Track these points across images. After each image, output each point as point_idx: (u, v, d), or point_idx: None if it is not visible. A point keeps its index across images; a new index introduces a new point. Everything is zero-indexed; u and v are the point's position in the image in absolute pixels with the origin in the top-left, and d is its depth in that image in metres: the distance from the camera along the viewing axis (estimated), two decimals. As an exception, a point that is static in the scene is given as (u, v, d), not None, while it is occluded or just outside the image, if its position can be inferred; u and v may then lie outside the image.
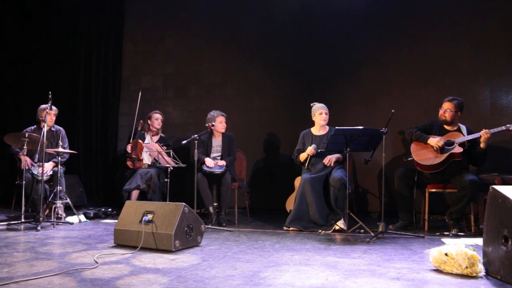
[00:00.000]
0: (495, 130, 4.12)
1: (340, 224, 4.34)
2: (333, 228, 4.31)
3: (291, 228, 4.44)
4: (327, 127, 4.84)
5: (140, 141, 5.61)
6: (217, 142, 5.27)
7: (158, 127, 5.80)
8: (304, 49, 6.14)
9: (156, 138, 5.79)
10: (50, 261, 2.89)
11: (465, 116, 4.67)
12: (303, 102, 5.77)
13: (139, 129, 5.73)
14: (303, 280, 2.45)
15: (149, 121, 5.80)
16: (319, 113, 4.79)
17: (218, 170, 4.92)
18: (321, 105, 4.84)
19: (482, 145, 4.21)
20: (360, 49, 5.89)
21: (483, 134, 4.15)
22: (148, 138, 5.77)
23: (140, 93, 6.05)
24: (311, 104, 4.89)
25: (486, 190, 2.79)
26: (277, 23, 6.29)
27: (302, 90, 6.10)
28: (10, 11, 7.41)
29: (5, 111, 7.33)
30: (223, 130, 5.25)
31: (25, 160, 4.91)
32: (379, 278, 2.49)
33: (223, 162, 5.05)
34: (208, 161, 5.00)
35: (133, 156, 5.56)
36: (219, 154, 5.22)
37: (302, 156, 4.77)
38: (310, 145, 4.75)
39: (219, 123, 5.18)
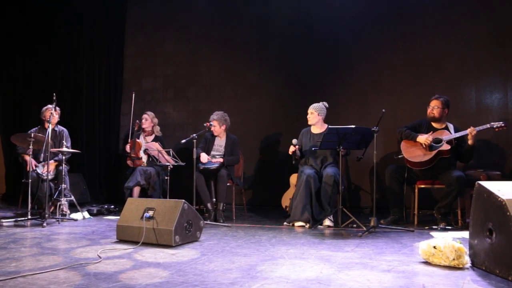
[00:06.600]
0: (481, 127, 4.23)
1: (327, 221, 4.40)
2: (322, 225, 4.38)
3: (298, 224, 4.40)
4: (325, 125, 4.81)
5: (138, 140, 5.69)
6: (220, 142, 5.32)
7: (144, 127, 5.82)
8: (299, 51, 6.22)
9: (150, 138, 5.82)
10: (55, 256, 2.93)
11: (452, 115, 4.78)
12: (298, 102, 5.88)
13: (135, 129, 5.81)
14: (298, 273, 2.50)
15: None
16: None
17: (213, 166, 4.97)
18: (312, 105, 4.90)
19: (470, 141, 4.30)
20: (353, 51, 5.99)
21: (470, 131, 4.25)
22: (141, 138, 5.81)
23: (133, 94, 6.14)
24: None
25: (472, 185, 2.84)
26: (273, 26, 6.38)
27: (297, 90, 6.19)
28: (14, 16, 7.42)
29: (11, 112, 7.37)
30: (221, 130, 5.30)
31: (30, 162, 4.98)
32: (371, 271, 2.55)
33: (218, 159, 5.10)
34: (203, 156, 5.05)
35: (132, 155, 5.63)
36: (220, 153, 5.25)
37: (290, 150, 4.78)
38: (309, 142, 4.81)
39: (215, 127, 5.21)
